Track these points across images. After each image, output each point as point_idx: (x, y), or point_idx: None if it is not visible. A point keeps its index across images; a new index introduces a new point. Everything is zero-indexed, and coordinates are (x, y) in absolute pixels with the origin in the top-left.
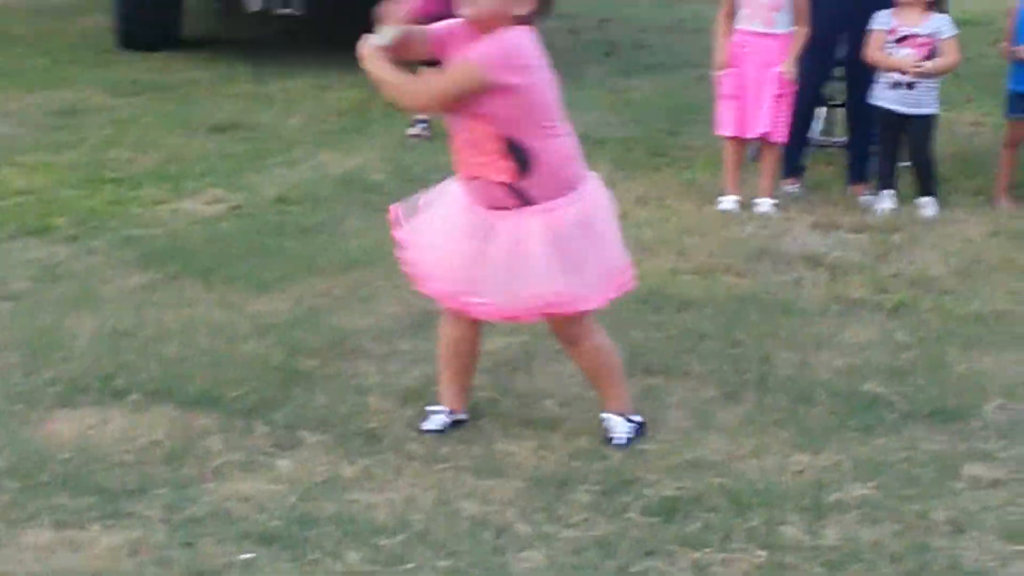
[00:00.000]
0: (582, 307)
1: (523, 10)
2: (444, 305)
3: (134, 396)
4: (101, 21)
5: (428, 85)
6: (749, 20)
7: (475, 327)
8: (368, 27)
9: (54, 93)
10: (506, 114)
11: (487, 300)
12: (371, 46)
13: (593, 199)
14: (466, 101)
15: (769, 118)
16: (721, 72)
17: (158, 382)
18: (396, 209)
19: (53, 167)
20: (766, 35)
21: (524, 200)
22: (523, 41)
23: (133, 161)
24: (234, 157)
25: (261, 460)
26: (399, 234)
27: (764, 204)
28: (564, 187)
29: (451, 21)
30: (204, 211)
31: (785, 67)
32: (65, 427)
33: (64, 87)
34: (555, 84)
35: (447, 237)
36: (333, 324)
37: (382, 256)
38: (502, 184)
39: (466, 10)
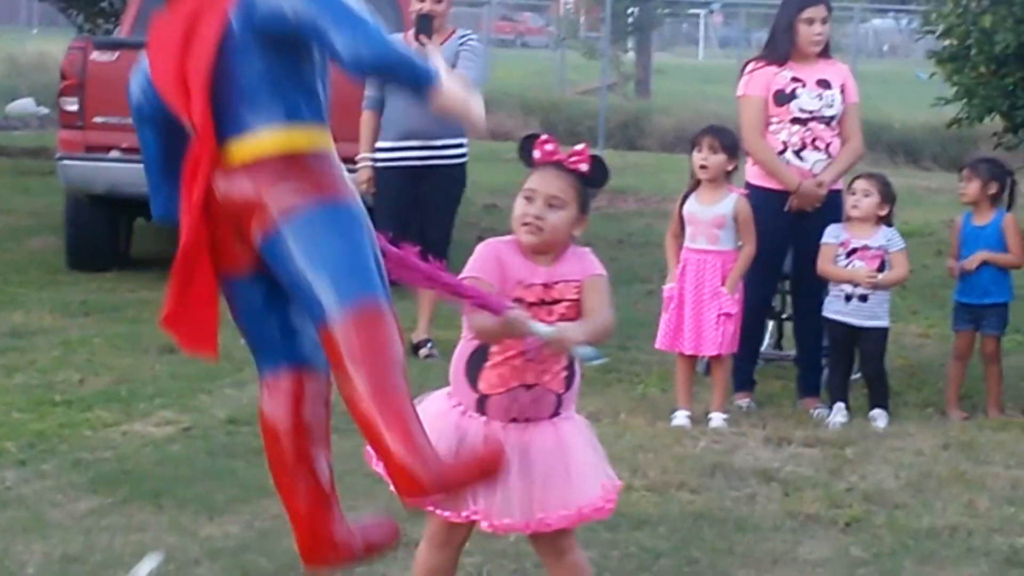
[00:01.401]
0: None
1: (580, 232)
2: (434, 533)
3: None
4: (51, 242)
5: (612, 316)
6: (693, 238)
7: (457, 554)
8: None
9: (2, 315)
10: None
11: (561, 513)
12: (557, 335)
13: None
14: None
15: (718, 337)
16: (666, 287)
17: None
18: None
19: (2, 390)
20: (709, 252)
21: (555, 411)
22: None
23: (83, 383)
24: (184, 378)
25: None
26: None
27: (716, 419)
28: (574, 398)
29: (492, 249)
30: (155, 433)
31: (728, 286)
32: None
33: (13, 308)
34: None
35: None
36: (286, 547)
37: (336, 477)
38: (554, 393)
39: (531, 238)
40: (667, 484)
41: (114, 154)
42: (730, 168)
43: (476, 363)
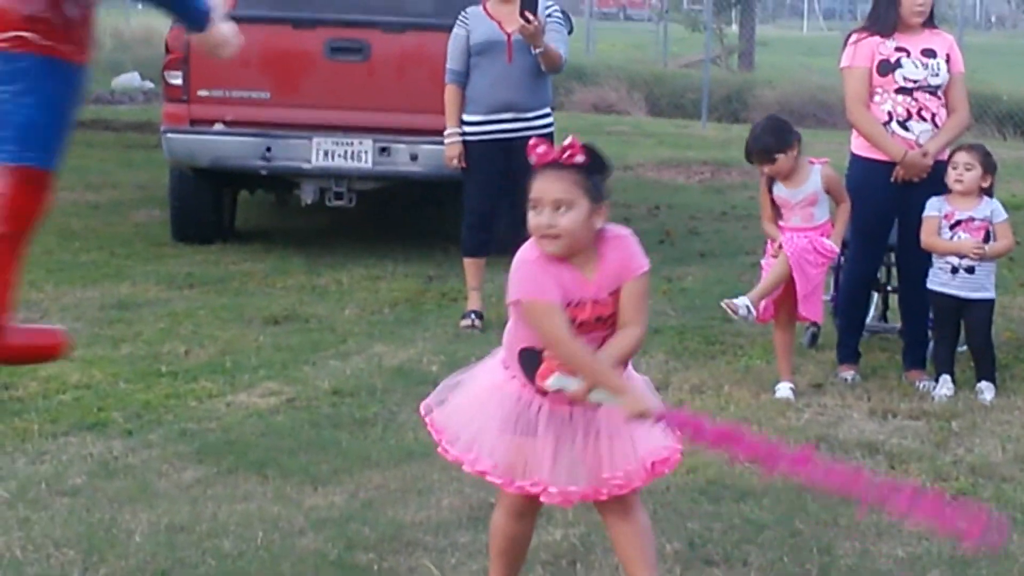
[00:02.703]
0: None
1: (601, 222)
2: (510, 503)
3: None
4: (156, 215)
5: (644, 324)
6: (787, 219)
7: (532, 522)
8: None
9: (110, 287)
10: None
11: (608, 476)
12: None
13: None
14: None
15: (808, 297)
16: (762, 262)
17: None
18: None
19: (109, 361)
20: (809, 228)
21: None
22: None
23: (188, 354)
24: (288, 349)
25: None
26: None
27: (783, 389)
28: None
29: (539, 269)
30: (259, 404)
31: (833, 239)
32: None
33: (119, 281)
34: None
35: (544, 448)
36: (390, 517)
37: (435, 448)
38: None
39: (552, 247)
40: None
41: (218, 127)
42: (795, 154)
43: (532, 362)
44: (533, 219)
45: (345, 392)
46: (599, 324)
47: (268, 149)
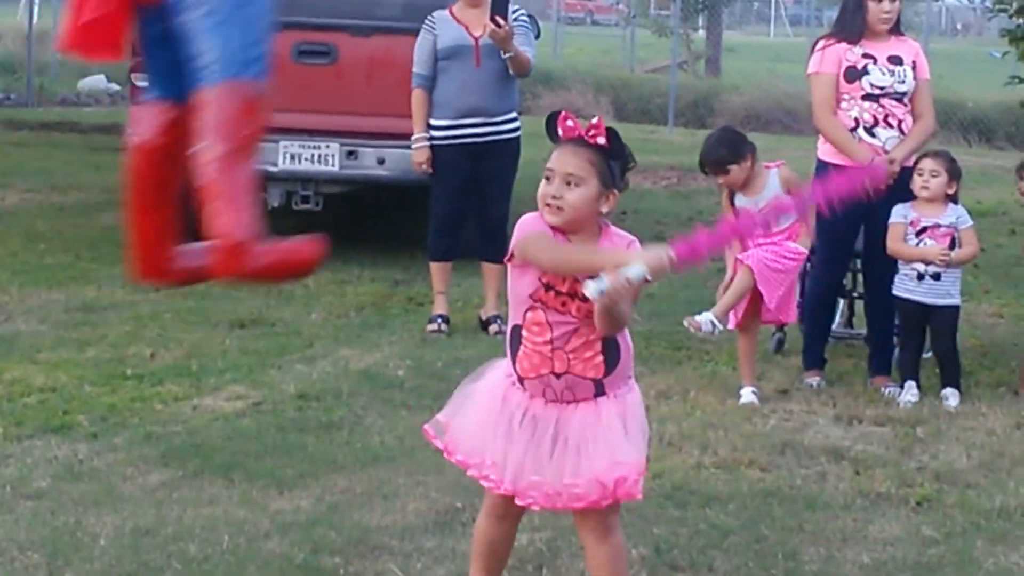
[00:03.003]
0: (639, 487)
1: (608, 208)
2: (492, 505)
3: None
4: (122, 218)
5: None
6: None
7: (515, 528)
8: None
9: (76, 289)
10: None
11: (570, 482)
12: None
13: (638, 392)
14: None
15: (780, 302)
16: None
17: None
18: (428, 429)
19: (74, 364)
20: (772, 233)
21: (598, 393)
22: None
23: (154, 357)
24: (254, 353)
25: None
26: (440, 444)
27: (746, 394)
28: (627, 376)
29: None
30: (225, 408)
31: (801, 242)
32: None
33: (85, 283)
34: None
35: (516, 443)
36: (356, 521)
37: (404, 452)
38: (590, 380)
39: (554, 218)
40: (737, 461)
41: None
42: (749, 165)
43: (514, 344)
44: (543, 187)
45: (311, 396)
46: (576, 303)
47: None
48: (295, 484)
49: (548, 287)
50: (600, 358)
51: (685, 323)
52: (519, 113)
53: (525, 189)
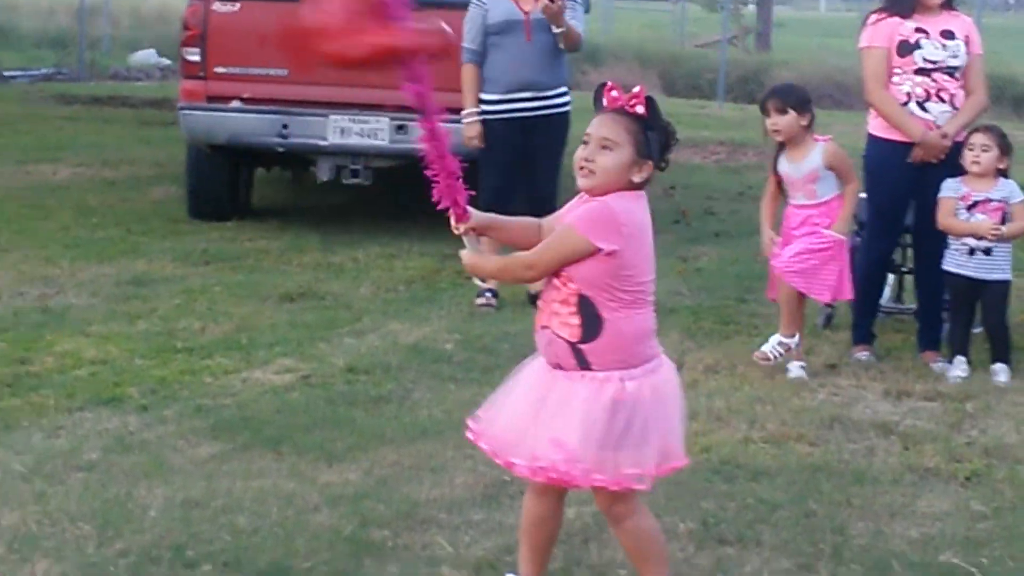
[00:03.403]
0: (585, 482)
1: (640, 178)
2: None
3: (205, 567)
4: (172, 192)
5: (537, 258)
6: (793, 196)
7: (559, 505)
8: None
9: (126, 263)
10: (589, 275)
11: (525, 463)
12: (466, 257)
13: (655, 381)
14: (570, 264)
15: (807, 275)
16: (774, 245)
17: (229, 553)
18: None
19: (125, 337)
20: (813, 205)
21: (582, 364)
22: (632, 206)
23: (204, 330)
24: (304, 326)
25: None
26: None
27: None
28: (626, 361)
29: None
30: (274, 381)
31: (839, 226)
32: None
33: (135, 257)
34: (652, 257)
35: (514, 401)
36: (404, 494)
37: (452, 426)
38: (564, 340)
39: (585, 181)
40: (785, 436)
41: (235, 104)
42: (805, 123)
43: (534, 307)
44: (579, 151)
45: (360, 369)
46: None
47: (285, 126)
48: (344, 457)
49: None
50: (576, 319)
51: (755, 358)
52: (569, 88)
53: (574, 163)
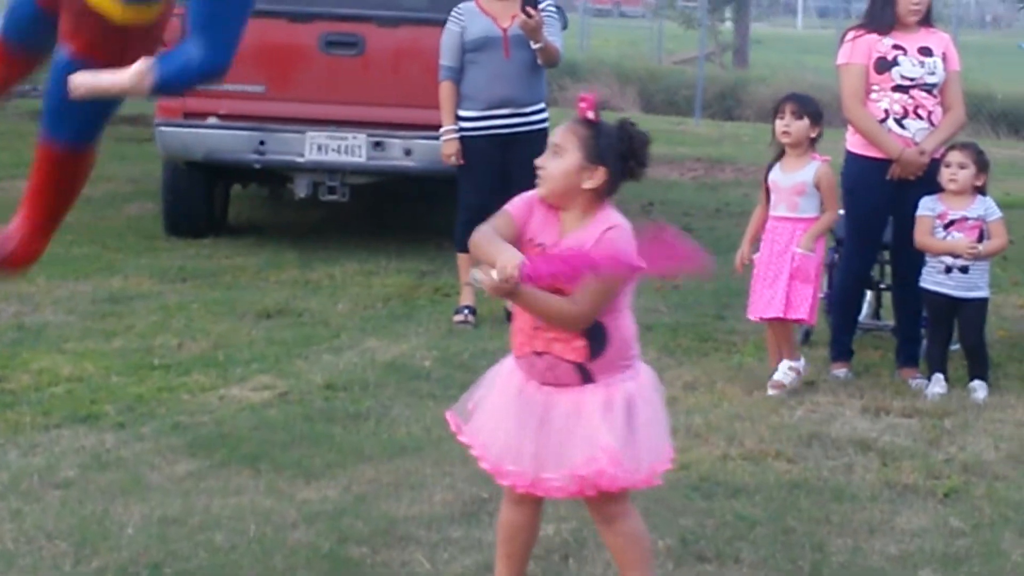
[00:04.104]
0: (630, 482)
1: (593, 184)
2: (508, 490)
3: None
4: (148, 209)
5: (589, 311)
6: (775, 206)
7: (535, 514)
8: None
9: (102, 280)
10: None
11: (548, 476)
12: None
13: (646, 379)
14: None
15: (788, 299)
16: (747, 260)
17: (207, 571)
18: (453, 417)
19: (101, 354)
20: (788, 219)
21: (585, 379)
22: (622, 219)
23: (181, 347)
24: (281, 343)
25: None
26: (463, 438)
27: (782, 367)
28: (624, 364)
29: (528, 196)
30: (252, 398)
31: (803, 244)
32: None
33: (111, 274)
34: None
35: (506, 419)
36: (382, 512)
37: (431, 443)
38: (571, 362)
39: (539, 189)
40: (763, 453)
41: (212, 120)
42: (813, 135)
43: (510, 323)
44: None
45: (338, 386)
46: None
47: (262, 143)
48: (322, 474)
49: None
50: (582, 342)
51: (770, 388)
52: (547, 104)
53: None
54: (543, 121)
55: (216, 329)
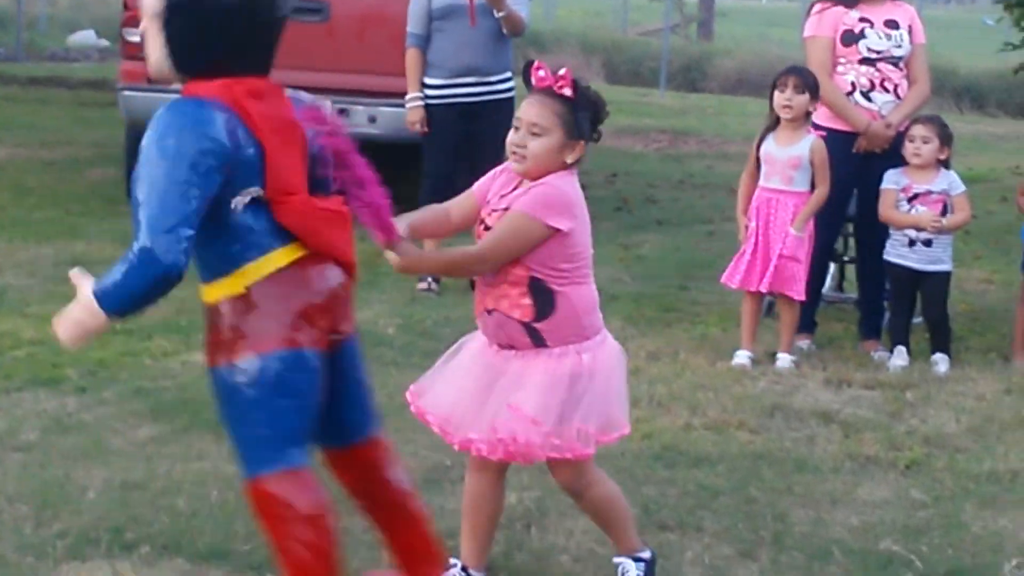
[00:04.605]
0: (551, 453)
1: (572, 158)
2: (471, 458)
3: (144, 549)
4: (111, 173)
5: (490, 250)
6: (767, 177)
7: (498, 483)
8: None
9: (65, 244)
10: (540, 256)
11: (473, 436)
12: (398, 261)
13: (607, 351)
14: (527, 251)
15: (782, 276)
16: (743, 226)
17: (168, 535)
18: (412, 395)
19: None
20: (783, 192)
21: (537, 342)
22: (569, 186)
23: (143, 313)
24: None
25: None
26: (416, 408)
27: (784, 359)
28: (579, 334)
29: (497, 169)
30: None
31: (796, 225)
32: None
33: (74, 238)
34: (589, 231)
35: (463, 379)
36: None
37: (394, 410)
38: (517, 321)
39: (517, 166)
40: (726, 423)
41: (176, 85)
42: (811, 109)
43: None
44: (510, 136)
45: None
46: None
47: None
48: None
49: (481, 221)
50: (528, 300)
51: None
52: (513, 74)
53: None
54: (509, 90)
55: (179, 294)
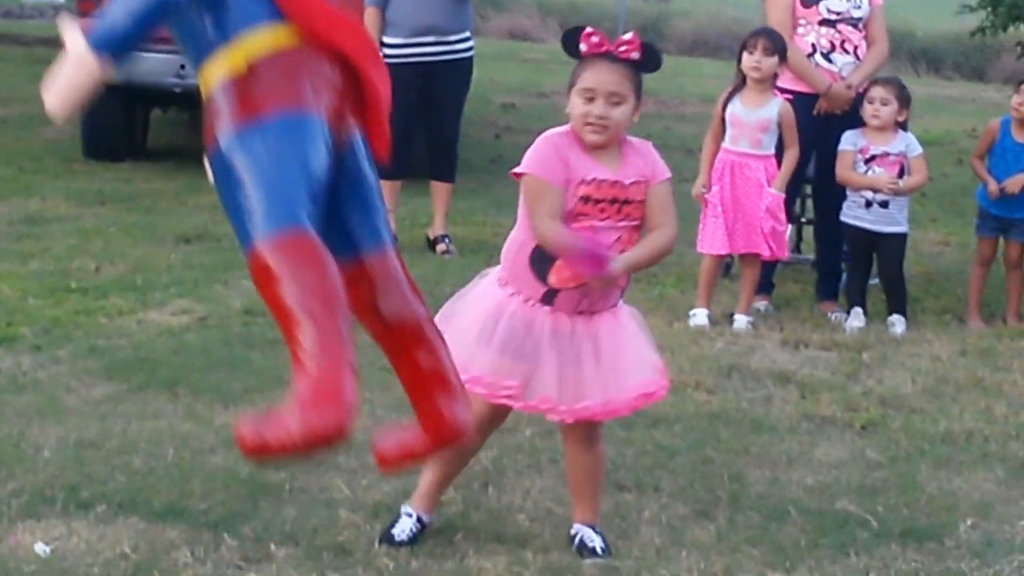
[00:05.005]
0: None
1: (636, 118)
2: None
3: (100, 508)
4: (66, 132)
5: (675, 225)
6: (734, 140)
7: (484, 440)
8: None
9: (19, 202)
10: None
11: (591, 403)
12: (619, 269)
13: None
14: None
15: (767, 238)
16: (706, 191)
17: (124, 494)
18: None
19: (17, 276)
20: (751, 155)
21: (620, 299)
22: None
23: (99, 271)
24: (200, 268)
25: (229, 573)
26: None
27: (740, 320)
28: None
29: (544, 151)
30: (170, 322)
31: (776, 186)
32: (30, 539)
33: (29, 196)
34: None
35: (548, 361)
36: None
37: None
38: (620, 287)
39: (598, 137)
40: (683, 384)
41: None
42: (779, 72)
43: (545, 258)
44: (583, 107)
45: (257, 312)
46: (617, 208)
47: (182, 67)
48: (240, 399)
49: (586, 199)
50: None
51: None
52: (471, 33)
53: (474, 109)
54: (468, 50)
55: (134, 253)
